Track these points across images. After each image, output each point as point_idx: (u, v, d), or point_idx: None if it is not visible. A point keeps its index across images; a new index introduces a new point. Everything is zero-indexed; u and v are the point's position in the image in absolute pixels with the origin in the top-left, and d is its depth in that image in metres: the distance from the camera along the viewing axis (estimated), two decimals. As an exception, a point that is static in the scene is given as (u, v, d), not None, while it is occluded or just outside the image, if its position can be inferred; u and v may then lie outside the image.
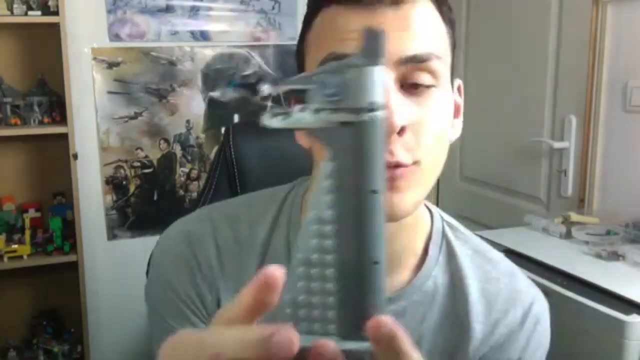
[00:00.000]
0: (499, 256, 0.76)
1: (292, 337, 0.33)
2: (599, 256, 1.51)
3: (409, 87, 0.59)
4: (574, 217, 1.74)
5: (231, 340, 0.34)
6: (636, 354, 1.24)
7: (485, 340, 0.70)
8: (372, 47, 0.33)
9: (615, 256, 1.49)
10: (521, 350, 0.71)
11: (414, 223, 0.69)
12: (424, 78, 0.59)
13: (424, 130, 0.59)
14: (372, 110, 0.33)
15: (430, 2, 0.60)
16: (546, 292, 1.40)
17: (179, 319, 0.72)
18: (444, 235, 0.74)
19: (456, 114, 0.68)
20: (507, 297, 0.72)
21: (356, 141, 0.33)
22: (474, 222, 2.31)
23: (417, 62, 0.58)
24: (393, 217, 0.60)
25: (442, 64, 0.60)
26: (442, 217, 0.76)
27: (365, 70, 0.33)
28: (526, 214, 1.87)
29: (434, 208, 0.75)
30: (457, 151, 2.50)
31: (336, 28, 0.59)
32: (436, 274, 0.71)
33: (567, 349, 1.40)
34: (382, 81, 0.33)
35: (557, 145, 2.03)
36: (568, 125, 2.01)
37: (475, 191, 2.48)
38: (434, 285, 0.71)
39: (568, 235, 1.66)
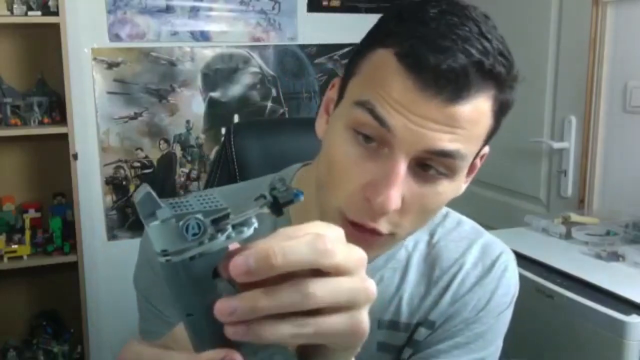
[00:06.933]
0: (465, 218, 0.82)
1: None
2: (598, 256, 1.51)
3: (423, 166, 0.59)
4: (574, 217, 1.74)
5: None
6: (636, 354, 1.24)
7: (457, 290, 0.75)
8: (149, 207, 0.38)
9: (615, 256, 1.49)
10: (490, 293, 0.76)
11: None
12: (439, 168, 0.59)
13: (414, 211, 0.61)
14: (164, 255, 0.38)
15: (488, 96, 0.58)
16: (546, 292, 1.41)
17: (163, 301, 0.73)
18: None
19: (468, 175, 0.67)
20: (478, 250, 0.77)
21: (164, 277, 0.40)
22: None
23: (442, 156, 0.58)
24: None
25: (464, 162, 0.60)
26: None
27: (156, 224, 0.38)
28: (526, 214, 1.87)
29: None
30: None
31: (386, 83, 0.57)
32: (407, 243, 0.77)
33: (567, 348, 1.40)
34: (173, 232, 0.38)
35: (557, 145, 2.03)
36: (568, 126, 2.01)
37: (475, 191, 2.48)
38: (406, 253, 0.77)
39: (568, 236, 1.66)
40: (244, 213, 0.39)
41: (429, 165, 0.59)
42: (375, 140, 0.59)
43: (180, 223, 0.37)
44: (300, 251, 0.38)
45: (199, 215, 0.37)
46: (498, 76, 0.58)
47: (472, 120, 0.58)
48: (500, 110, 0.61)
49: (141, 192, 0.38)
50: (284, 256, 0.37)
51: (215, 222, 0.38)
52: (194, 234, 0.37)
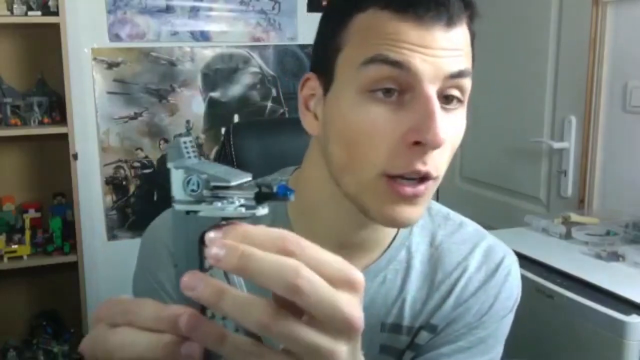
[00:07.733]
0: (466, 220, 0.82)
1: (196, 320, 0.37)
2: (598, 256, 1.51)
3: (443, 101, 0.62)
4: (574, 217, 1.74)
5: (148, 311, 0.40)
6: (636, 354, 1.24)
7: (461, 294, 0.75)
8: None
9: (615, 256, 1.49)
10: (494, 297, 0.76)
11: None
12: (456, 93, 0.62)
13: (447, 147, 0.63)
14: (172, 201, 0.41)
15: (466, 24, 0.63)
16: (546, 292, 1.41)
17: None
18: None
19: None
20: (481, 254, 0.77)
21: None
22: (474, 222, 2.30)
23: (458, 77, 0.61)
24: (404, 225, 0.66)
25: (470, 82, 0.63)
26: None
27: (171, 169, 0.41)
28: (526, 214, 1.87)
29: None
30: (457, 151, 2.48)
31: (386, 33, 0.59)
32: (410, 244, 0.76)
33: (567, 348, 1.40)
34: (179, 180, 0.41)
35: (557, 145, 2.03)
36: (568, 126, 2.01)
37: (475, 191, 2.48)
38: (407, 254, 0.76)
39: (568, 236, 1.66)
40: (239, 192, 0.40)
41: (449, 94, 0.61)
42: (395, 91, 0.60)
43: (184, 176, 0.40)
44: (265, 269, 0.36)
45: (203, 176, 0.40)
46: (470, 4, 0.64)
47: (465, 42, 0.62)
48: (473, 41, 0.65)
49: (176, 139, 0.42)
50: (249, 263, 0.36)
51: (215, 188, 0.40)
52: (192, 190, 0.40)
